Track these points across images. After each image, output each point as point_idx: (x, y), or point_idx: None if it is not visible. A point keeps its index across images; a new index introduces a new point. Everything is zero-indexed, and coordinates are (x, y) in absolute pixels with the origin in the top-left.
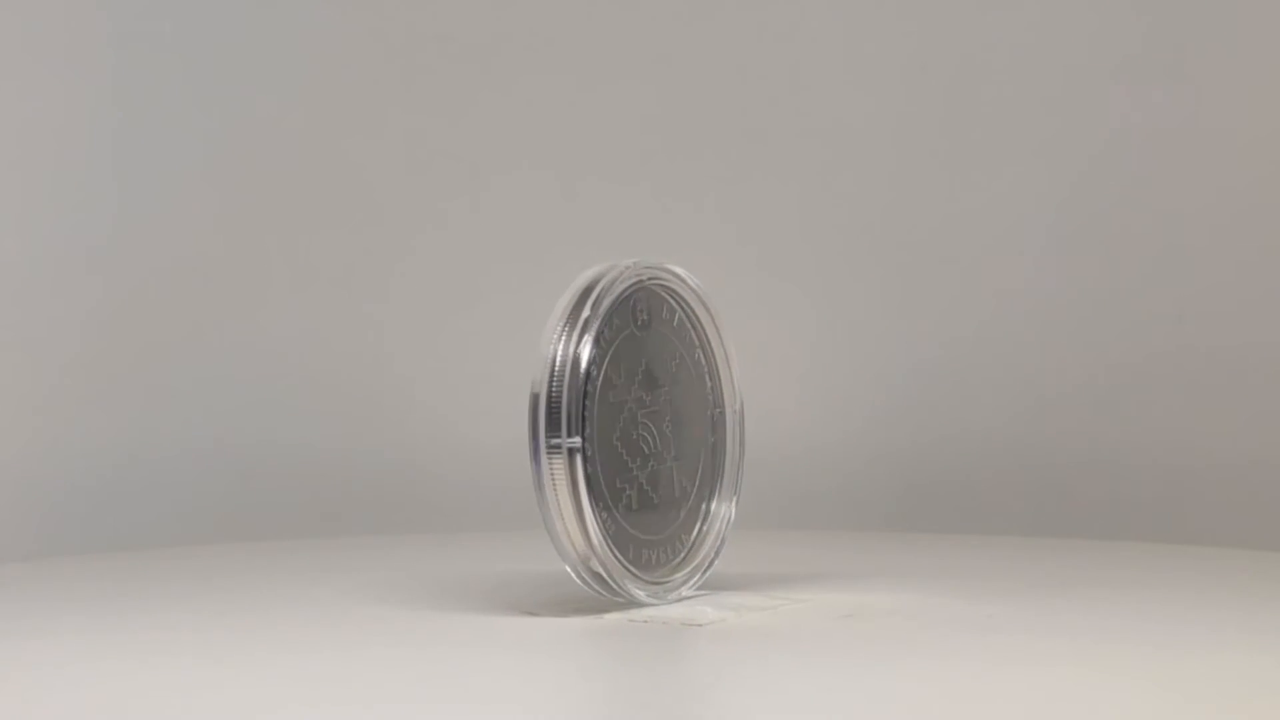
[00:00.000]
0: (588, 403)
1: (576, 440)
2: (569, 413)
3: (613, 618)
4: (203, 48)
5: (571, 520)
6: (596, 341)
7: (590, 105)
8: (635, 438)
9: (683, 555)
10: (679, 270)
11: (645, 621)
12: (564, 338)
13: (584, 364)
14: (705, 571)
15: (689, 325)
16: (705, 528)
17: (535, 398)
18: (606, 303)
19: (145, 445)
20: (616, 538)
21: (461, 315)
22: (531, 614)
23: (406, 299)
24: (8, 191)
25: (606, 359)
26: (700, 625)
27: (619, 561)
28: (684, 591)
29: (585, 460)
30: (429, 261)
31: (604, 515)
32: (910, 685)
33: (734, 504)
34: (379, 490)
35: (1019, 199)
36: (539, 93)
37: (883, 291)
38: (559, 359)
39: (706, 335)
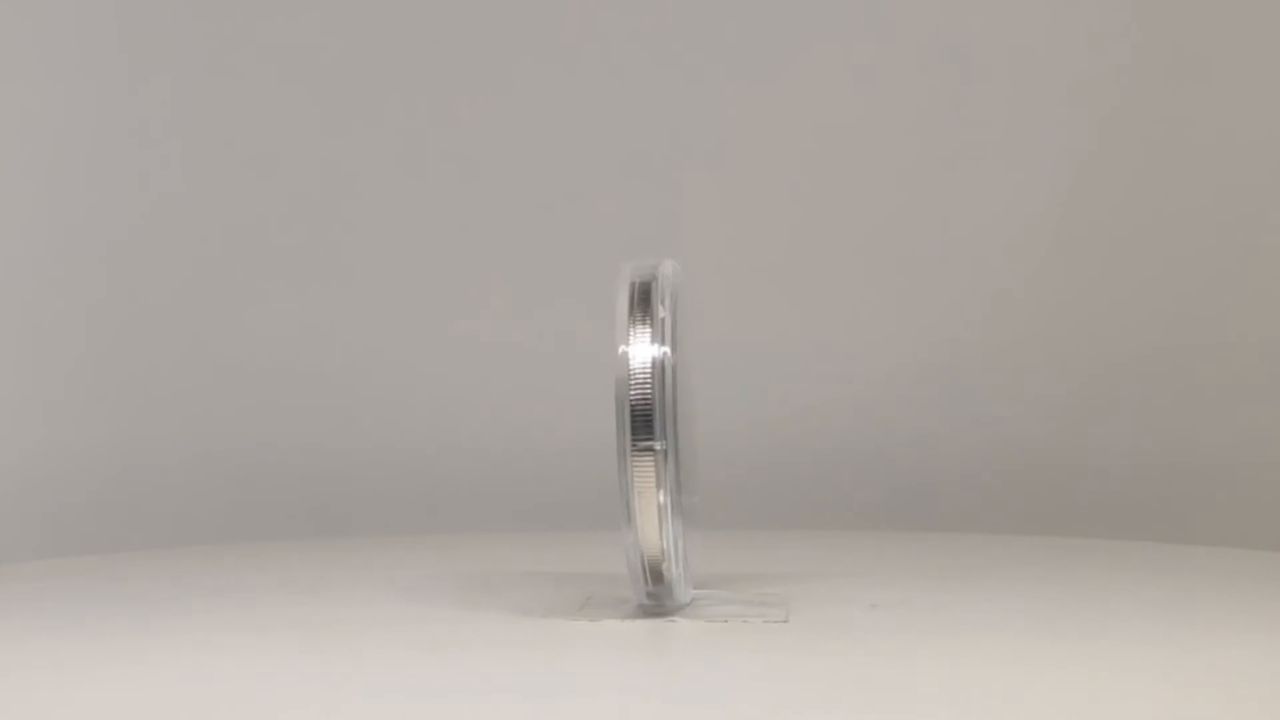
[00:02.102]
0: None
1: (665, 443)
2: (661, 415)
3: (687, 621)
4: (204, 49)
5: (652, 522)
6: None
7: (589, 104)
8: None
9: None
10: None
11: (726, 621)
12: (644, 337)
13: (670, 365)
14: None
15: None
16: (678, 529)
17: (623, 399)
18: (673, 303)
19: (148, 447)
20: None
21: (462, 315)
22: (593, 620)
23: (407, 300)
24: (10, 194)
25: None
26: (785, 621)
27: (684, 564)
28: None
29: (676, 462)
30: (430, 263)
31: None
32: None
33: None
34: (379, 491)
35: (1019, 199)
36: (538, 92)
37: (882, 291)
38: (644, 360)
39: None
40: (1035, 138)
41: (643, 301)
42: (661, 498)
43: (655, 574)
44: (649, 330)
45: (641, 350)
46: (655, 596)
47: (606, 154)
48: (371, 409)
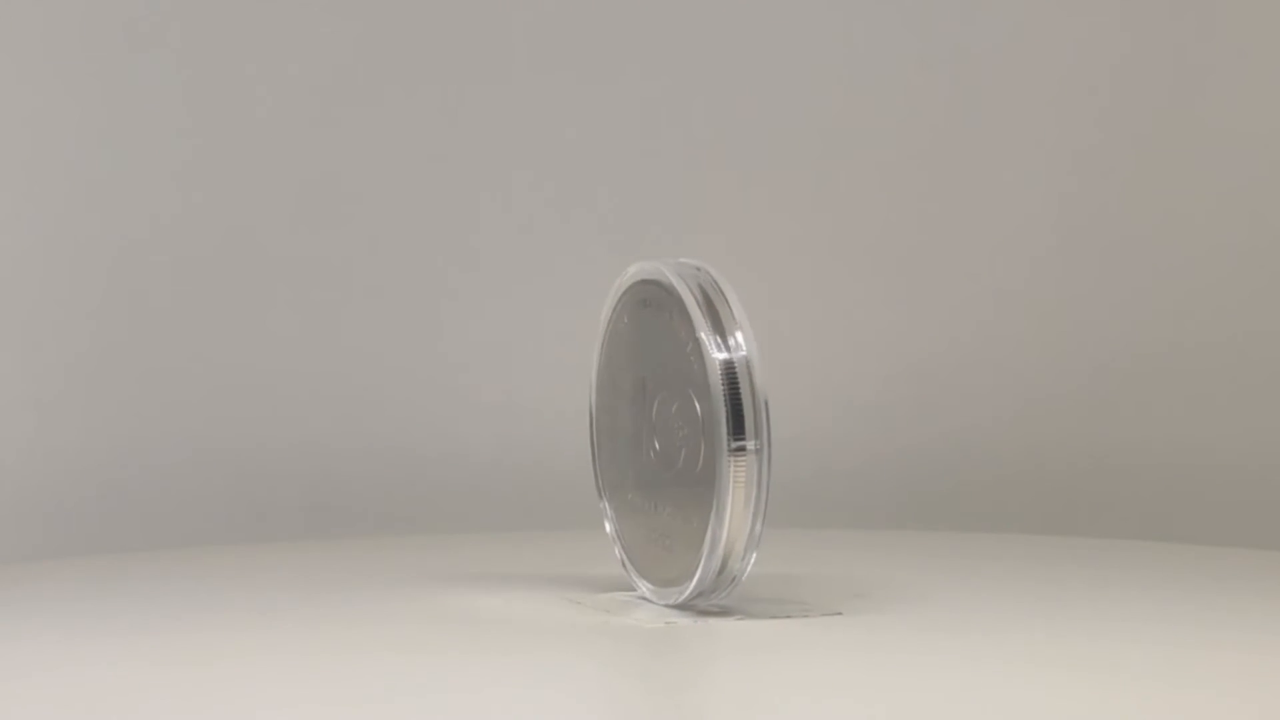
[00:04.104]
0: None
1: (758, 442)
2: (754, 415)
3: (752, 620)
4: (203, 48)
5: (741, 522)
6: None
7: (589, 104)
8: None
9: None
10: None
11: (789, 617)
12: (722, 338)
13: (758, 365)
14: None
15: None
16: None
17: (717, 399)
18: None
19: (148, 447)
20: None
21: (462, 316)
22: (670, 622)
23: (407, 301)
24: (10, 192)
25: None
26: (840, 614)
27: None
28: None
29: (769, 462)
30: (429, 262)
31: None
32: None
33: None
34: (380, 491)
35: (1019, 198)
36: (538, 92)
37: (881, 291)
38: (735, 360)
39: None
40: (1037, 137)
41: (710, 302)
42: (754, 497)
43: (725, 574)
44: (724, 330)
45: (733, 352)
46: (703, 595)
47: (606, 155)
48: (372, 409)
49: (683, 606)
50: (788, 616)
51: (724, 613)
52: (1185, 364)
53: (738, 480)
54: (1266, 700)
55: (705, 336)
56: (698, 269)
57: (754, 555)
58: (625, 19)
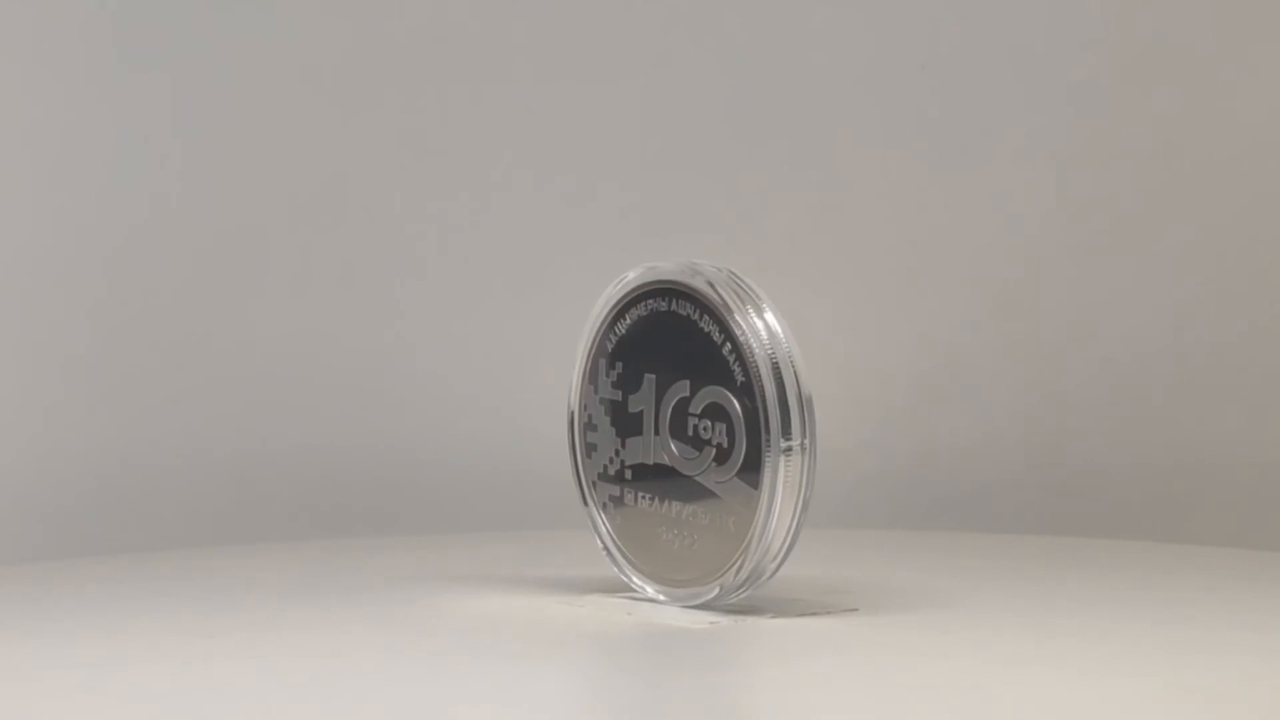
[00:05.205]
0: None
1: (805, 440)
2: (800, 413)
3: (777, 619)
4: (202, 47)
5: (784, 520)
6: None
7: (586, 105)
8: None
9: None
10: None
11: (815, 614)
12: (760, 336)
13: (799, 361)
14: None
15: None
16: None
17: (770, 398)
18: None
19: (147, 447)
20: None
21: (464, 316)
22: (714, 623)
23: (408, 300)
24: (10, 193)
25: None
26: (856, 610)
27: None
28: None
29: (814, 460)
30: (430, 261)
31: None
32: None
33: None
34: (380, 491)
35: (1019, 198)
36: (537, 91)
37: (881, 291)
38: (779, 358)
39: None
40: (1038, 137)
41: (742, 302)
42: (798, 495)
43: (757, 574)
44: (759, 329)
45: (774, 349)
46: (728, 593)
47: (607, 155)
48: (372, 409)
49: (705, 606)
50: (813, 614)
51: (751, 611)
52: (1185, 363)
53: (787, 479)
54: (1266, 702)
55: (746, 335)
56: (719, 269)
57: (790, 553)
58: (624, 20)
